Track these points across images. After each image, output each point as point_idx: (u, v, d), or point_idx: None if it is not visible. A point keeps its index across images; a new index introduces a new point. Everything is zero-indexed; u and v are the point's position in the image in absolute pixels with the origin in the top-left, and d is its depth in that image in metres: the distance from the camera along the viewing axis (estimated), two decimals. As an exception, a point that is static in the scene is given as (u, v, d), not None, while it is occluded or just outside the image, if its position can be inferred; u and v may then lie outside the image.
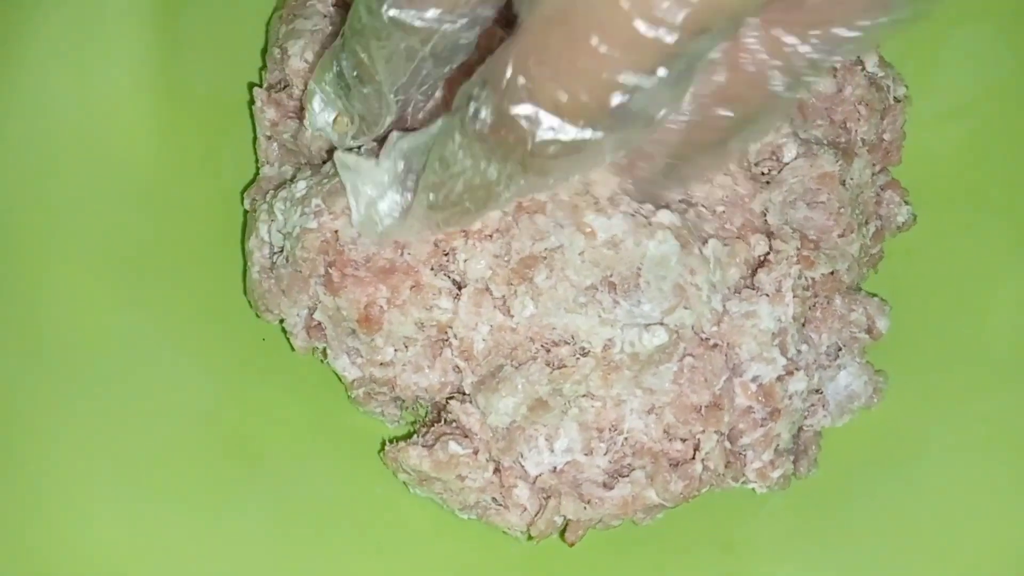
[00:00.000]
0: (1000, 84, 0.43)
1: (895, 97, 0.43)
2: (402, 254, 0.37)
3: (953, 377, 0.40)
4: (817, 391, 0.40)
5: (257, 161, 0.41)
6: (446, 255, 0.37)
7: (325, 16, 0.39)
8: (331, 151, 0.37)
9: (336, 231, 0.36)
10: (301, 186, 0.37)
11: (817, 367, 0.39)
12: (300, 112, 0.39)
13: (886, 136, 0.43)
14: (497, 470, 0.37)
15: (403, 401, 0.40)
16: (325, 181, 0.37)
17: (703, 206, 0.38)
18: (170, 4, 0.43)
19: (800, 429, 0.39)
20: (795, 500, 0.39)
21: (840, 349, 0.40)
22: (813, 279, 0.39)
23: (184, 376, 0.38)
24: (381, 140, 0.36)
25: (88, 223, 0.40)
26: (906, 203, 0.43)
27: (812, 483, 0.39)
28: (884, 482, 0.39)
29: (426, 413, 0.40)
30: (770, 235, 0.39)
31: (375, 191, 0.35)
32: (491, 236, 0.36)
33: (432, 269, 0.37)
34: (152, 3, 0.42)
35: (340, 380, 0.39)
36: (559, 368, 0.36)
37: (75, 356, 0.38)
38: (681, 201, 0.38)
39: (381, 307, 0.36)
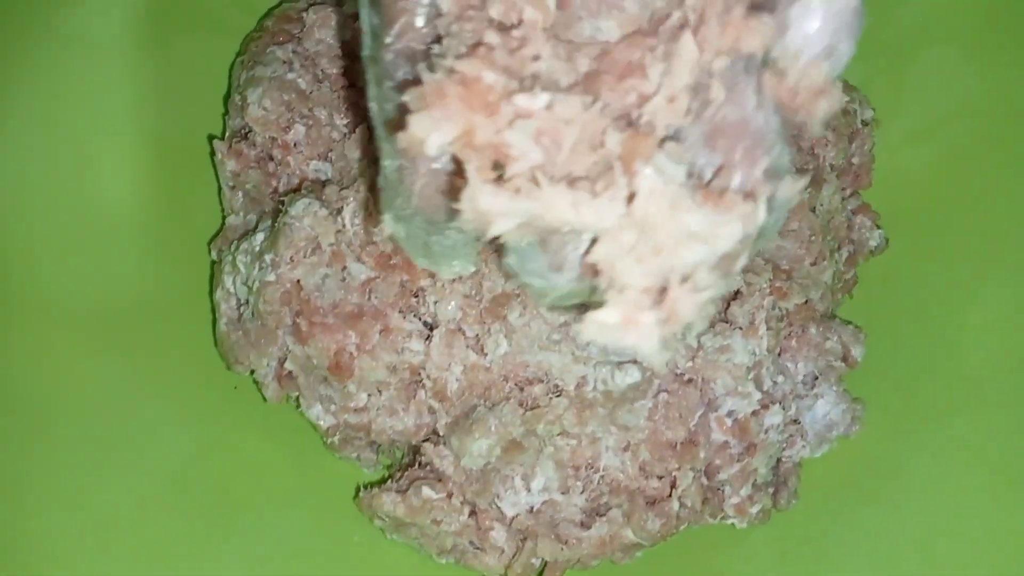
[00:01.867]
0: (967, 105, 0.43)
1: (863, 120, 0.43)
2: (369, 298, 0.36)
3: (929, 401, 0.40)
4: (795, 421, 0.39)
5: (223, 209, 0.41)
6: (415, 296, 0.37)
7: (285, 62, 0.39)
8: (283, 199, 0.37)
9: (297, 280, 0.36)
10: (259, 238, 0.37)
11: (794, 397, 0.39)
12: (260, 161, 0.39)
13: (855, 160, 0.43)
14: (473, 512, 0.37)
15: (379, 445, 0.39)
16: (276, 228, 0.36)
17: None
18: (138, 50, 0.42)
19: (779, 461, 0.39)
20: (776, 533, 0.39)
21: (817, 378, 0.39)
22: (787, 309, 0.39)
23: (157, 428, 0.38)
24: None
25: (59, 274, 0.39)
26: (878, 227, 0.43)
27: (793, 515, 0.39)
28: (864, 510, 0.39)
29: (402, 456, 0.39)
30: (743, 267, 0.39)
31: None
32: (460, 276, 0.36)
33: (400, 312, 0.37)
34: (121, 51, 0.42)
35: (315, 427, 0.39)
36: (532, 408, 0.36)
37: (46, 409, 0.38)
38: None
39: (351, 353, 0.36)
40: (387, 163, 0.29)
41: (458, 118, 0.25)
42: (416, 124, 0.26)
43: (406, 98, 0.26)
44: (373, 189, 0.34)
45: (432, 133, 0.26)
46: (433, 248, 0.32)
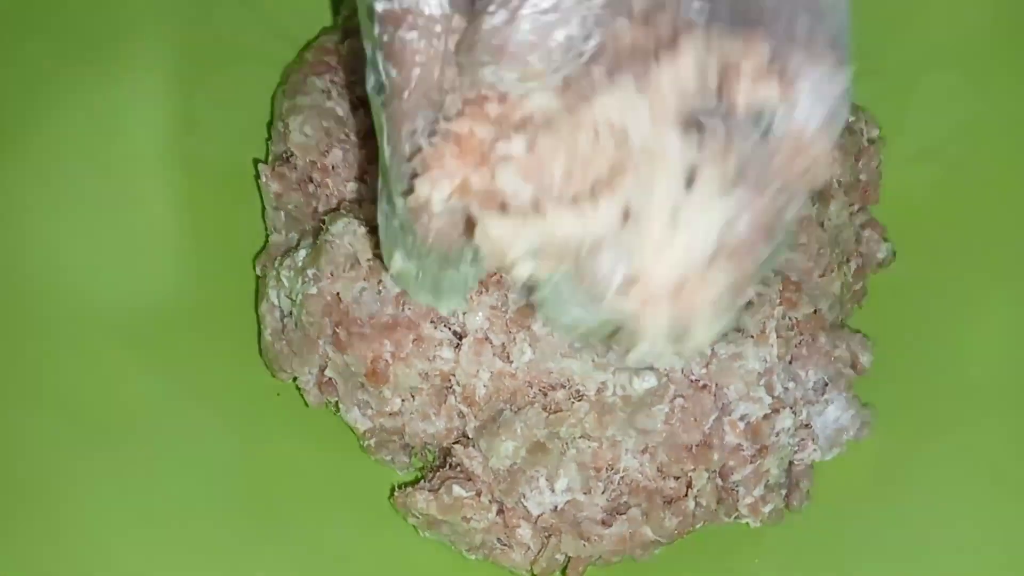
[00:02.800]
0: (969, 125, 0.45)
1: (869, 139, 0.45)
2: (403, 309, 0.39)
3: (936, 408, 0.42)
4: (807, 425, 0.41)
5: (266, 228, 0.44)
6: (446, 308, 0.40)
7: (323, 91, 0.42)
8: (323, 219, 0.40)
9: (337, 293, 0.38)
10: (301, 254, 0.40)
11: (805, 403, 0.41)
12: (302, 184, 0.42)
13: (863, 177, 0.45)
14: (501, 511, 0.39)
15: (412, 448, 0.42)
16: (317, 245, 0.39)
17: None
18: (184, 82, 0.45)
19: (791, 464, 0.41)
20: (790, 533, 0.40)
21: (827, 384, 0.41)
22: (797, 319, 0.41)
23: (205, 433, 0.41)
24: None
25: (113, 291, 0.42)
26: (885, 240, 0.45)
27: (805, 516, 0.41)
28: (874, 513, 0.41)
29: (434, 458, 0.42)
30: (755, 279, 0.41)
31: None
32: (487, 289, 0.39)
33: (432, 322, 0.39)
34: (166, 81, 0.45)
35: (352, 431, 0.41)
36: (555, 412, 0.38)
37: (100, 416, 0.40)
38: None
39: (387, 361, 0.39)
40: (399, 205, 0.32)
41: (454, 174, 0.28)
42: (420, 187, 0.29)
43: (414, 164, 0.29)
44: (374, 229, 0.37)
45: (434, 193, 0.29)
46: (443, 284, 0.35)
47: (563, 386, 0.38)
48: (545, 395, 0.39)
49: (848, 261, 0.43)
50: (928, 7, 0.46)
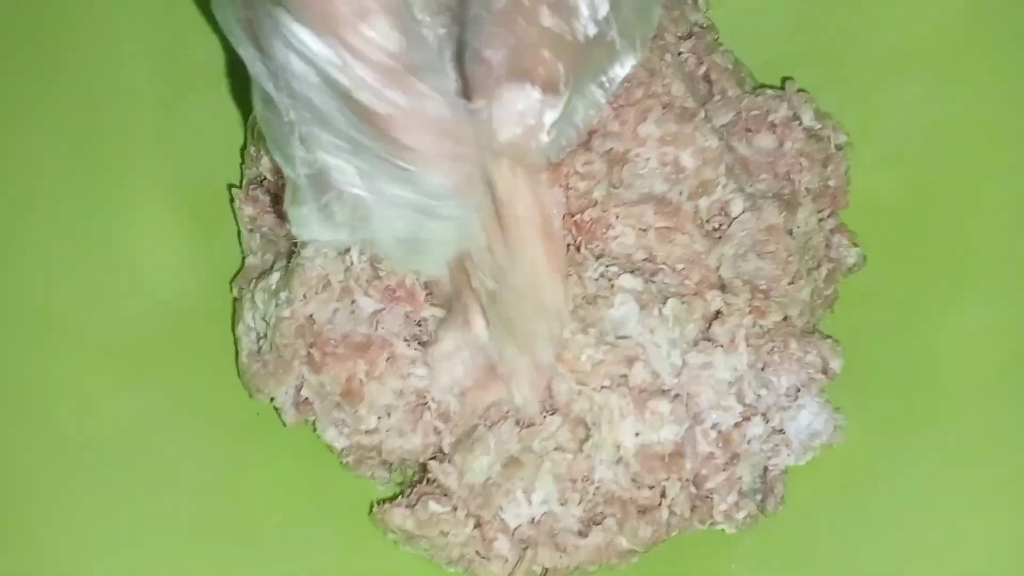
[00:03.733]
0: (935, 130, 0.45)
1: (836, 145, 0.45)
2: (377, 329, 0.40)
3: (908, 411, 0.42)
4: (780, 431, 0.42)
5: (243, 250, 0.45)
6: (419, 326, 0.40)
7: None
8: (295, 241, 0.41)
9: (310, 315, 0.39)
10: (275, 277, 0.40)
11: (777, 409, 0.41)
12: (275, 207, 0.42)
13: (831, 183, 0.45)
14: (478, 525, 0.40)
15: (391, 464, 0.42)
16: (289, 269, 0.40)
17: (666, 265, 0.41)
18: (160, 106, 0.46)
19: (766, 469, 0.42)
20: (765, 538, 0.41)
21: (799, 390, 0.42)
22: (766, 327, 0.41)
23: (184, 454, 0.41)
24: None
25: (93, 311, 0.43)
26: (855, 245, 0.45)
27: (780, 521, 0.41)
28: (848, 515, 0.41)
29: (413, 473, 0.42)
30: (723, 288, 0.41)
31: None
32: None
33: (405, 340, 0.40)
34: (143, 105, 0.46)
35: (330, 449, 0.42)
36: (527, 427, 0.39)
37: (81, 437, 0.41)
38: (646, 260, 0.41)
39: (361, 380, 0.39)
40: None
41: None
42: None
43: None
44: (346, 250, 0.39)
45: None
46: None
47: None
48: (518, 409, 0.39)
49: (818, 267, 0.44)
50: (893, 14, 0.46)
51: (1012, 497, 0.40)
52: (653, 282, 0.40)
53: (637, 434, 0.38)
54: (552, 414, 0.39)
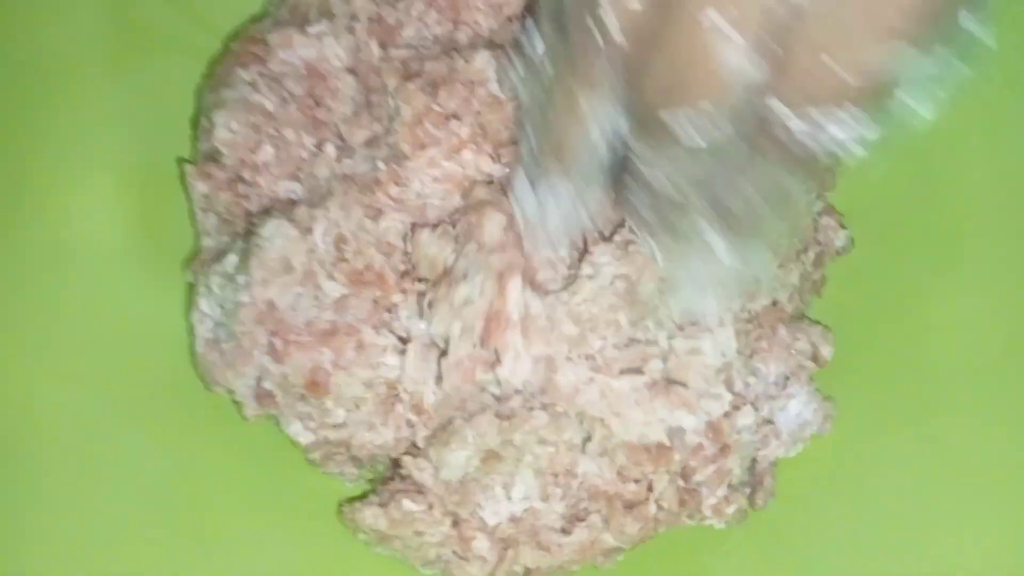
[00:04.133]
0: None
1: (825, 124, 0.44)
2: (343, 315, 0.37)
3: (899, 398, 0.41)
4: (769, 421, 0.40)
5: (196, 232, 0.41)
6: (388, 311, 0.38)
7: (250, 83, 0.39)
8: (254, 221, 0.38)
9: (270, 300, 0.36)
10: (232, 260, 0.37)
11: (767, 398, 0.40)
12: (231, 184, 0.39)
13: (819, 162, 0.44)
14: (455, 523, 0.37)
15: (361, 460, 0.40)
16: (247, 250, 0.37)
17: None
18: (101, 76, 0.43)
19: (754, 461, 0.40)
20: (754, 532, 0.39)
21: (788, 378, 0.40)
22: (755, 311, 0.40)
23: (137, 452, 0.38)
24: None
25: (30, 306, 0.40)
26: (843, 227, 0.43)
27: (770, 514, 0.39)
28: (839, 507, 0.40)
29: (384, 469, 0.40)
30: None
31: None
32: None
33: (374, 327, 0.37)
34: (81, 75, 0.42)
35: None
36: (508, 419, 0.37)
37: (26, 439, 0.38)
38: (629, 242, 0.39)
39: (327, 371, 0.37)
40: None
41: None
42: None
43: None
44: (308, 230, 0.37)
45: None
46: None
47: (517, 391, 0.37)
48: (498, 401, 0.37)
49: (806, 250, 0.42)
50: None
51: (1004, 486, 0.39)
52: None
53: (656, 422, 0.36)
54: (541, 408, 0.36)
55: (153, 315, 0.40)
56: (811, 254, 0.43)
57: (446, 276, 0.36)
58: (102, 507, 0.37)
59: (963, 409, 0.40)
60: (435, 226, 0.37)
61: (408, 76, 0.38)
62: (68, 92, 0.42)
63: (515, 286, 0.36)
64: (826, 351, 0.41)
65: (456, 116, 0.38)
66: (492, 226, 0.36)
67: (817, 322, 0.41)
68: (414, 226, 0.38)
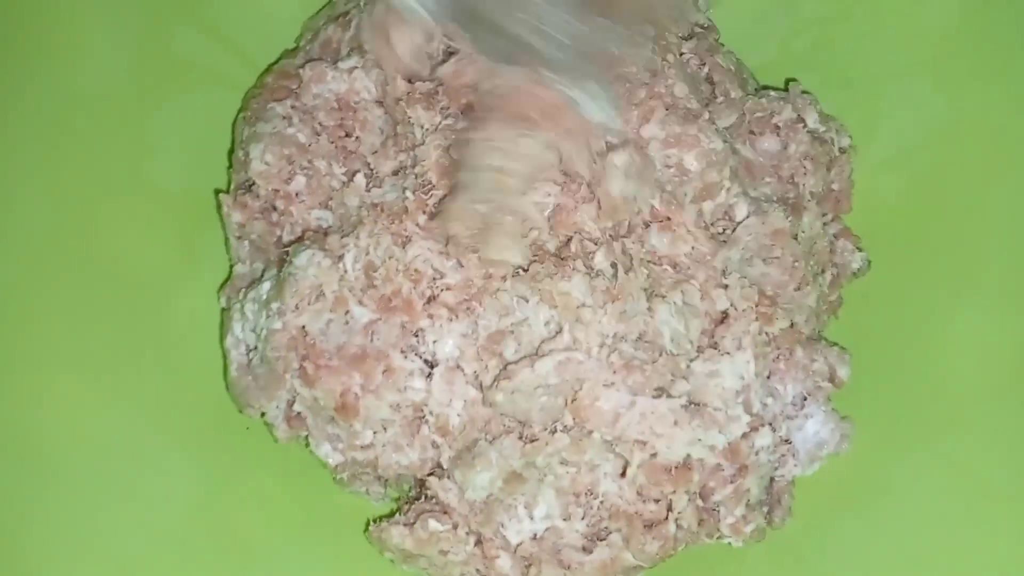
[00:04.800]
0: (938, 131, 0.44)
1: (840, 148, 0.44)
2: (372, 340, 0.38)
3: (915, 418, 0.41)
4: (786, 441, 0.41)
5: (230, 258, 0.43)
6: (415, 336, 0.39)
7: (284, 117, 0.41)
8: (287, 249, 0.39)
9: (302, 326, 0.38)
10: (266, 287, 0.39)
11: (784, 418, 0.41)
12: (265, 213, 0.41)
13: (835, 186, 0.45)
14: (479, 542, 0.38)
15: (387, 480, 0.41)
16: (280, 278, 0.38)
17: (667, 264, 0.40)
18: (139, 107, 0.44)
19: (772, 480, 0.41)
20: (772, 551, 0.40)
21: (806, 398, 0.41)
22: (773, 334, 0.40)
23: (172, 472, 0.40)
24: None
25: (74, 327, 0.41)
26: (859, 250, 0.44)
27: (788, 533, 0.40)
28: (856, 526, 0.40)
29: (410, 488, 0.41)
30: (728, 293, 0.40)
31: None
32: (456, 316, 0.38)
33: (402, 352, 0.38)
34: (121, 107, 0.44)
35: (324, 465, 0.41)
36: (531, 441, 0.38)
37: (67, 455, 0.39)
38: (650, 261, 0.40)
39: (356, 394, 0.38)
40: None
41: None
42: None
43: None
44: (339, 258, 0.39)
45: None
46: None
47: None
48: (521, 423, 0.38)
49: (823, 272, 0.43)
50: (896, 17, 0.46)
51: (1021, 505, 0.40)
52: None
53: (697, 442, 0.37)
54: (555, 431, 0.37)
55: (190, 339, 0.42)
56: (827, 276, 0.43)
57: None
58: (139, 521, 0.39)
59: (979, 428, 0.41)
60: None
61: (431, 107, 0.40)
62: (111, 127, 0.43)
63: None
64: (843, 372, 0.41)
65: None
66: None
67: (834, 343, 0.42)
68: None
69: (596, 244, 0.38)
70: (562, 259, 0.38)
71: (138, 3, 0.45)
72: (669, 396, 0.37)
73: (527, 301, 0.38)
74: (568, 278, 0.37)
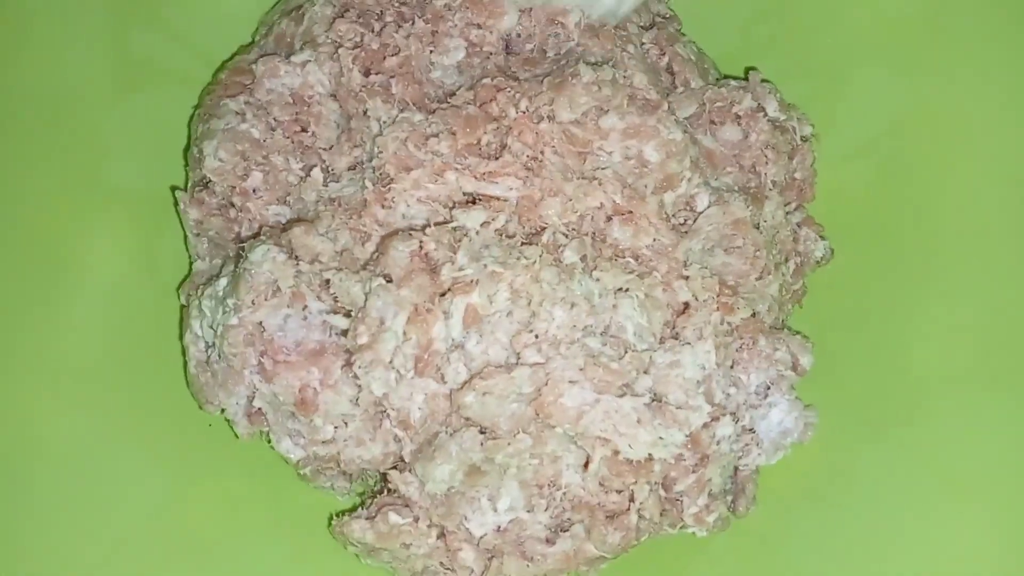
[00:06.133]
0: (900, 120, 0.44)
1: (802, 137, 0.44)
2: (330, 335, 0.38)
3: (878, 406, 0.42)
4: (750, 430, 0.41)
5: (189, 256, 0.43)
6: (375, 332, 0.39)
7: (237, 113, 0.41)
8: (243, 244, 0.39)
9: (259, 322, 0.37)
10: (222, 283, 0.39)
11: (748, 407, 0.41)
12: (222, 209, 0.40)
13: (797, 175, 0.45)
14: (442, 535, 0.38)
15: (351, 474, 0.41)
16: (236, 274, 0.38)
17: (629, 256, 0.40)
18: (95, 107, 0.44)
19: (736, 469, 0.41)
20: (737, 540, 0.40)
21: (769, 387, 0.41)
22: (734, 324, 0.40)
23: (133, 471, 0.40)
24: None
25: (32, 327, 0.41)
26: (822, 238, 0.44)
27: (752, 521, 0.40)
28: (820, 514, 0.40)
29: (375, 482, 0.41)
30: (690, 284, 0.40)
31: None
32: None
33: (362, 347, 0.38)
34: (75, 106, 0.44)
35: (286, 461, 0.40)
36: (493, 439, 0.37)
37: (21, 456, 0.39)
38: (612, 255, 0.40)
39: (315, 389, 0.38)
40: None
41: None
42: None
43: None
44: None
45: None
46: None
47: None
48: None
49: (786, 261, 0.43)
50: (855, 5, 0.46)
51: (983, 491, 0.40)
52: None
53: (659, 440, 0.37)
54: (524, 432, 0.37)
55: (150, 337, 0.42)
56: (791, 265, 0.43)
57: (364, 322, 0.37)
58: (101, 523, 0.39)
59: (942, 416, 0.41)
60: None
61: (389, 99, 0.40)
62: (69, 123, 0.43)
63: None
64: (806, 360, 0.41)
65: (437, 136, 0.39)
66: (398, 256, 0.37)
67: (797, 332, 0.42)
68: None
69: (567, 237, 0.38)
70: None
71: (95, 3, 0.44)
72: (633, 395, 0.37)
73: (495, 293, 0.38)
74: (537, 271, 0.37)
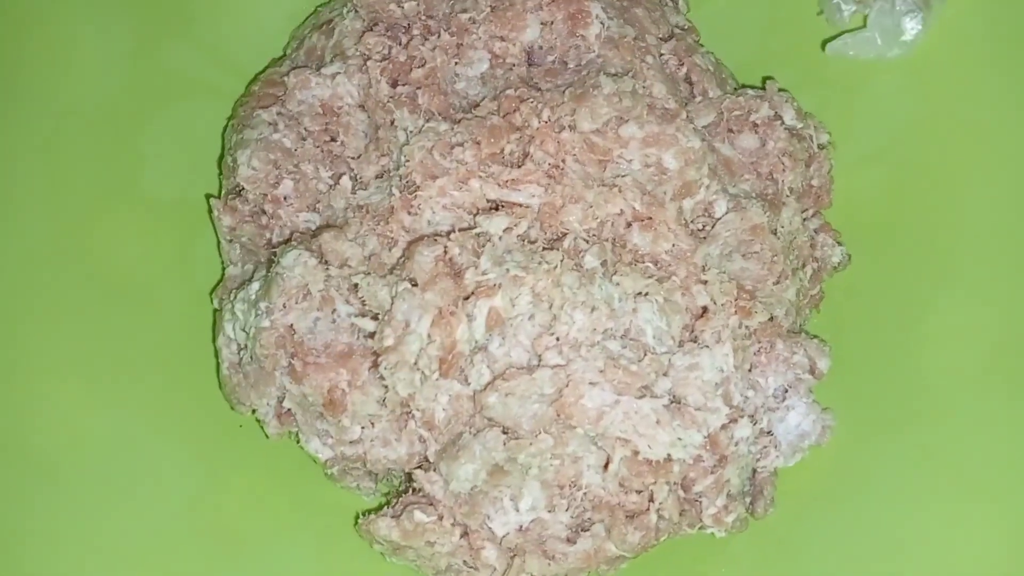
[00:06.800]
0: (915, 126, 0.45)
1: (819, 144, 0.45)
2: (359, 337, 0.39)
3: (895, 409, 0.42)
4: (768, 432, 0.41)
5: (222, 261, 0.44)
6: (402, 334, 0.40)
7: (270, 124, 0.42)
8: (275, 249, 0.40)
9: (290, 324, 0.39)
10: (255, 287, 0.40)
11: (766, 410, 0.41)
12: (254, 216, 0.42)
13: (814, 182, 0.45)
14: (465, 533, 0.39)
15: (376, 474, 0.42)
16: (268, 278, 0.39)
17: (649, 261, 0.41)
18: (131, 118, 0.46)
19: (754, 471, 0.41)
20: (755, 541, 0.41)
21: (787, 391, 0.42)
22: (752, 327, 0.41)
23: (166, 469, 0.41)
24: None
25: (71, 331, 0.43)
26: (839, 244, 0.45)
27: (770, 523, 0.41)
28: (838, 516, 0.41)
29: (400, 483, 0.42)
30: (708, 288, 0.41)
31: None
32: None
33: (389, 349, 0.39)
34: (113, 118, 0.45)
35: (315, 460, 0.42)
36: (515, 438, 0.38)
37: (64, 455, 0.41)
38: (632, 260, 0.40)
39: (343, 390, 0.39)
40: None
41: None
42: None
43: None
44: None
45: None
46: None
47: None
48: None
49: (803, 266, 0.44)
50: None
51: (1000, 493, 0.40)
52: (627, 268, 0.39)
53: (677, 441, 0.38)
54: (546, 432, 0.38)
55: (184, 339, 0.43)
56: (808, 270, 0.44)
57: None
58: (135, 519, 0.40)
59: (958, 419, 0.41)
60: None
61: (415, 110, 0.41)
62: (108, 135, 0.45)
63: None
64: (823, 364, 0.42)
65: (461, 145, 0.40)
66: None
67: (815, 336, 0.43)
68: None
69: (588, 243, 0.39)
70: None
71: (130, 18, 0.46)
72: (653, 396, 0.38)
73: (517, 297, 0.39)
74: (558, 275, 0.38)
